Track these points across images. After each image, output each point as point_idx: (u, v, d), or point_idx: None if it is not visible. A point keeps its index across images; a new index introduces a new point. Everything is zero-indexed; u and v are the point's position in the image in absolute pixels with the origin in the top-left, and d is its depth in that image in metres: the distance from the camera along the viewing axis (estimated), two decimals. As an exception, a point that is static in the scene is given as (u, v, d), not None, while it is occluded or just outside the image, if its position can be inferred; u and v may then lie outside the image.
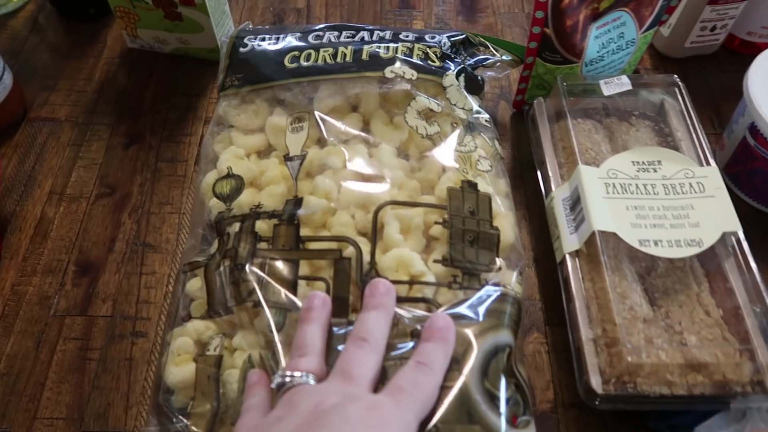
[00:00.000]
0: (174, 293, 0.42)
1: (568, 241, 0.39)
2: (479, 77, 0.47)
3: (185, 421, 0.34)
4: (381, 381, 0.31)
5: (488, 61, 0.49)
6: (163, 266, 0.45)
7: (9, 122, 0.52)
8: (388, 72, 0.43)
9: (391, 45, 0.45)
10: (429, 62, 0.45)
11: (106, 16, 0.62)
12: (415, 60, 0.45)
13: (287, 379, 0.30)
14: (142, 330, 0.42)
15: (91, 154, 0.52)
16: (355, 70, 0.44)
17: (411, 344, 0.33)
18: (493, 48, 0.51)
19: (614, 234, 0.37)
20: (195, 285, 0.39)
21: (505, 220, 0.39)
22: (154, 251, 0.46)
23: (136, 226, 0.47)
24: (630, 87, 0.45)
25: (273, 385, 0.31)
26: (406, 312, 0.34)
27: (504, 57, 0.50)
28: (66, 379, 0.40)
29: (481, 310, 0.35)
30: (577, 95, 0.45)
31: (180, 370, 0.35)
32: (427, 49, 0.46)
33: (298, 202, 0.39)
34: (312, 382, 0.30)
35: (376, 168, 0.41)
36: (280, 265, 0.36)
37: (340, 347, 0.33)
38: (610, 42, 0.47)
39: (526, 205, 0.48)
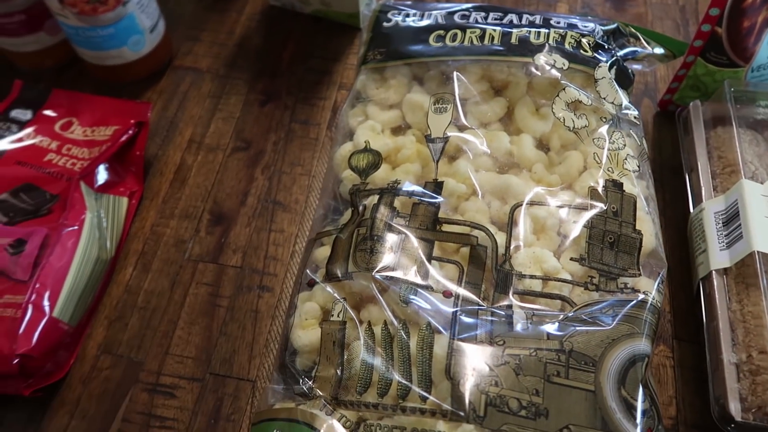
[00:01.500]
0: (303, 258, 0.44)
1: (717, 257, 0.37)
2: (630, 71, 0.45)
3: (310, 383, 0.35)
4: (517, 372, 0.31)
5: (639, 54, 0.47)
6: (291, 226, 0.47)
7: (156, 69, 0.55)
8: (538, 59, 0.42)
9: (542, 30, 0.44)
10: (581, 51, 0.43)
11: (250, -28, 0.63)
12: (566, 48, 0.43)
13: None
14: (268, 285, 0.44)
15: (229, 108, 0.53)
16: (503, 54, 0.43)
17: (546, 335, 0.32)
18: (645, 40, 0.48)
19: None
20: (323, 253, 0.40)
21: (648, 224, 0.38)
22: (283, 210, 0.47)
23: (267, 183, 0.49)
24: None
25: None
26: (541, 307, 0.34)
27: (656, 51, 0.48)
28: (196, 321, 0.43)
29: (618, 315, 0.34)
30: (741, 102, 0.43)
31: (306, 333, 0.37)
32: (580, 37, 0.44)
33: (438, 184, 0.39)
34: None
35: (516, 157, 0.41)
36: (415, 242, 0.36)
37: (469, 334, 0.33)
38: (783, 48, 0.44)
39: (662, 211, 0.46)
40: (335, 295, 0.37)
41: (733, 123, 0.41)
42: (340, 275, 0.37)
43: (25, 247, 0.39)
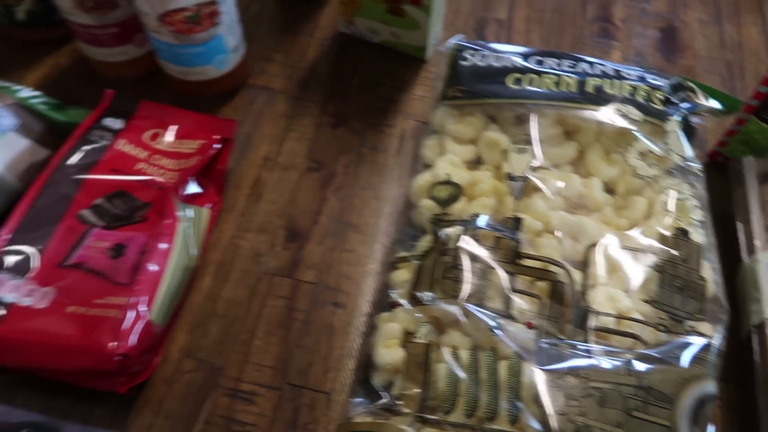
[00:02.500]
0: (379, 278, 0.46)
1: (773, 307, 0.40)
2: (693, 125, 0.48)
3: (395, 400, 0.37)
4: (600, 404, 0.34)
5: (697, 108, 0.50)
6: (362, 247, 0.49)
7: (234, 86, 0.57)
8: (613, 108, 0.45)
9: (615, 81, 0.47)
10: (652, 104, 0.46)
11: (320, -2, 0.66)
12: (639, 100, 0.46)
13: None
14: (341, 302, 0.46)
15: (302, 128, 0.56)
16: (579, 101, 0.46)
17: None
18: (702, 95, 0.51)
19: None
20: (402, 276, 0.42)
21: (710, 271, 0.41)
22: (354, 231, 0.50)
23: (339, 204, 0.51)
24: None
25: None
26: (615, 344, 0.37)
27: (713, 106, 0.51)
28: (274, 332, 0.45)
29: (687, 356, 0.36)
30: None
31: (389, 352, 0.39)
32: (651, 90, 0.47)
33: (517, 220, 0.41)
34: None
35: (586, 199, 0.43)
36: (499, 274, 0.39)
37: (554, 365, 0.35)
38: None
39: (713, 258, 0.48)
40: (420, 318, 0.39)
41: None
42: (424, 300, 0.39)
43: (125, 252, 0.42)
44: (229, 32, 0.52)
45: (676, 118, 0.45)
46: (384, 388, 0.39)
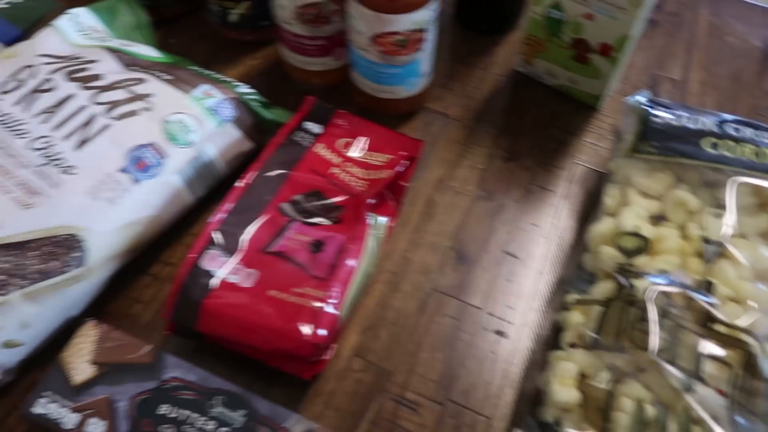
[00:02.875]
0: (544, 314, 0.47)
1: None
2: None
3: (573, 438, 0.38)
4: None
5: None
6: (527, 280, 0.50)
7: (415, 108, 0.60)
8: (812, 187, 0.45)
9: (815, 159, 0.47)
10: None
11: (497, 35, 0.68)
12: (841, 182, 0.45)
13: None
14: (505, 331, 0.48)
15: (475, 157, 0.58)
16: (778, 175, 0.46)
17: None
18: None
19: None
20: (576, 318, 0.43)
21: None
22: (521, 264, 0.51)
23: (507, 236, 0.53)
24: None
25: None
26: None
27: None
28: (439, 348, 0.47)
29: None
30: None
31: (565, 391, 0.40)
32: None
33: (708, 284, 0.42)
34: None
35: (777, 272, 0.43)
36: (691, 335, 0.39)
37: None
38: None
39: None
40: (600, 363, 0.40)
41: None
42: (608, 347, 0.40)
43: (324, 248, 0.44)
44: (426, 58, 0.55)
45: None
46: (557, 424, 0.39)
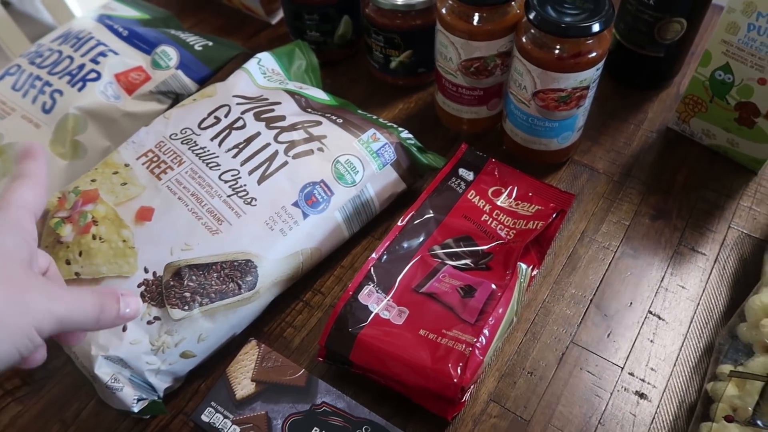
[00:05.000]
0: (691, 381, 0.46)
1: None
2: None
3: None
4: None
5: None
6: (672, 343, 0.50)
7: (563, 160, 0.61)
8: None
9: None
10: None
11: (651, 90, 0.68)
12: None
13: None
14: (646, 394, 0.47)
15: (620, 213, 0.58)
16: None
17: None
18: None
19: None
20: (731, 390, 0.42)
21: None
22: (667, 326, 0.50)
23: (653, 296, 0.52)
24: None
25: None
26: None
27: None
28: (577, 403, 0.47)
29: None
30: None
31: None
32: None
33: None
34: None
35: None
36: None
37: None
38: None
39: None
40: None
41: None
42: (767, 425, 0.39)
43: (474, 294, 0.47)
44: (583, 114, 0.56)
45: None
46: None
